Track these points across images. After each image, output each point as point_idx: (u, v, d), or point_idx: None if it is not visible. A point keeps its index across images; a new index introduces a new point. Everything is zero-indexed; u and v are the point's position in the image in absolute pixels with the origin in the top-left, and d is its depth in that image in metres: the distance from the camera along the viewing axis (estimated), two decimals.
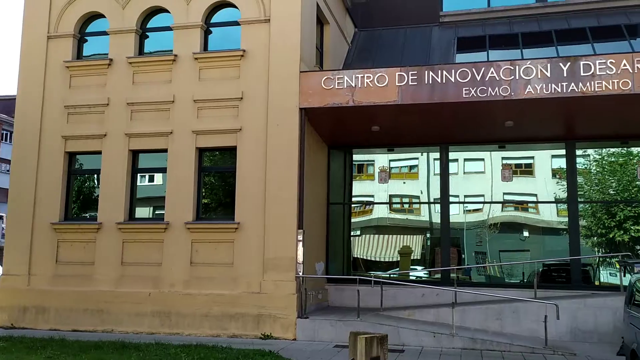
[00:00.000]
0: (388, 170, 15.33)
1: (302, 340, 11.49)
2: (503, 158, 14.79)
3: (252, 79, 12.70)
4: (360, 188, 15.88)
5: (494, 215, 14.82)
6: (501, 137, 14.08)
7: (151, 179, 14.13)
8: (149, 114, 13.20)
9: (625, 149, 14.25)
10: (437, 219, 14.75)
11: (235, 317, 11.93)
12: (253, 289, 12.04)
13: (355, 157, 15.81)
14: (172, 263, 12.53)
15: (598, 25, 15.35)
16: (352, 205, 15.67)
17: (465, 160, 15.23)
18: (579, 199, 13.99)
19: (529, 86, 11.42)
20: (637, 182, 13.99)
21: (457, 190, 14.91)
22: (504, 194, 14.81)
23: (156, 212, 13.49)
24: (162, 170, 13.24)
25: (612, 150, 14.40)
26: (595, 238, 14.29)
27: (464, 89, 11.70)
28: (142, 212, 13.70)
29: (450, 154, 14.73)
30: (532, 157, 15.00)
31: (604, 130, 13.39)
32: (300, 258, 11.95)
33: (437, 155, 14.77)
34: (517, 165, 15.05)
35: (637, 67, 10.93)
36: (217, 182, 13.52)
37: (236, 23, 13.15)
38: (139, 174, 13.63)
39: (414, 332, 11.25)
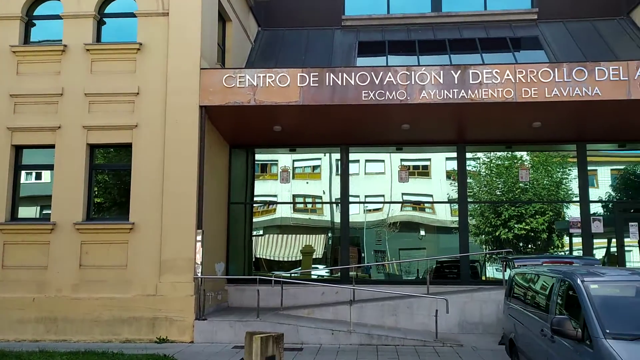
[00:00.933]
0: (290, 171, 15.40)
1: (200, 342, 11.25)
2: (402, 160, 15.36)
3: (149, 74, 12.25)
4: (263, 188, 15.84)
5: (393, 214, 15.34)
6: (399, 139, 14.61)
7: (38, 177, 13.23)
8: (34, 107, 12.33)
9: (510, 153, 15.31)
10: (338, 218, 15.03)
11: (129, 321, 11.44)
12: (148, 291, 11.61)
13: (258, 156, 15.74)
14: (59, 266, 11.78)
15: (487, 36, 16.40)
16: (254, 205, 15.58)
17: (367, 161, 15.65)
18: (469, 199, 14.85)
19: (424, 91, 11.95)
20: (520, 184, 15.09)
21: (358, 190, 15.30)
22: (403, 194, 15.40)
23: (43, 212, 12.63)
24: (50, 167, 12.42)
25: (499, 154, 15.40)
26: (483, 236, 15.23)
27: (363, 92, 12.02)
28: (28, 211, 12.78)
29: (351, 154, 15.07)
30: (429, 160, 15.73)
31: (491, 135, 14.29)
32: (199, 259, 11.70)
33: (339, 156, 15.07)
34: (415, 167, 15.71)
35: (519, 77, 11.79)
36: (111, 180, 12.91)
37: (132, 15, 12.62)
38: (23, 171, 12.70)
39: (313, 331, 11.39)
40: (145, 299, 11.54)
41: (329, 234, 15.48)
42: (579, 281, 6.01)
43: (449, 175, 15.21)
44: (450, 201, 14.99)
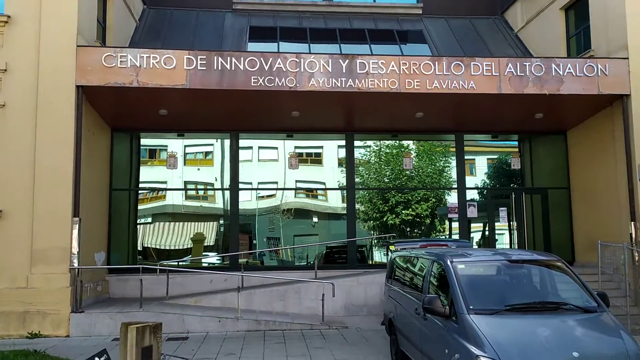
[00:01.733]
0: (177, 156, 14.92)
1: (77, 336, 10.65)
2: (296, 147, 15.47)
3: (19, 49, 11.27)
4: (151, 174, 15.23)
5: (287, 201, 15.42)
6: (289, 126, 14.66)
7: None
8: None
9: (397, 141, 15.94)
10: (230, 205, 14.83)
11: None
12: (18, 283, 10.79)
13: (145, 141, 15.10)
14: None
15: (375, 28, 16.88)
16: (141, 192, 14.95)
17: (260, 148, 15.59)
18: (357, 186, 15.29)
19: (313, 79, 12.07)
20: (407, 172, 15.77)
21: (251, 177, 15.22)
22: (296, 181, 15.51)
23: None
24: None
25: (387, 142, 15.97)
26: (371, 222, 15.75)
27: (252, 77, 11.90)
28: None
29: (242, 141, 14.94)
30: (322, 147, 15.96)
31: (378, 124, 14.78)
32: (75, 248, 11.03)
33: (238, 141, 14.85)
34: (308, 155, 15.89)
35: (403, 69, 12.26)
36: None
37: None
38: None
39: (199, 319, 11.20)
40: (15, 292, 10.71)
41: (221, 221, 15.24)
42: (448, 262, 6.40)
43: (340, 162, 15.53)
44: (340, 188, 15.33)
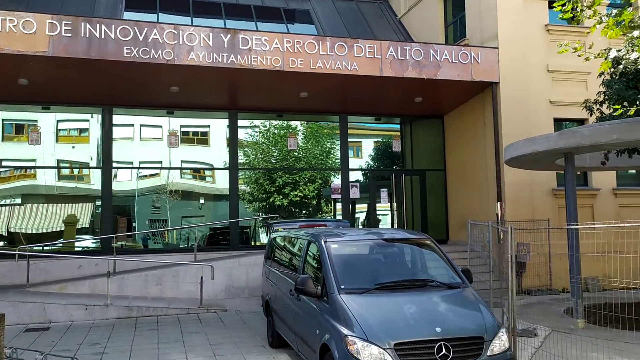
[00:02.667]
0: (40, 131, 13.63)
1: None
2: (182, 126, 14.75)
3: None
4: (16, 151, 13.80)
5: (172, 182, 14.73)
6: (170, 102, 13.94)
7: None
8: None
9: (284, 122, 15.73)
10: (102, 185, 13.83)
11: None
12: None
13: (7, 115, 13.64)
14: None
15: (262, 5, 16.48)
16: (3, 170, 13.51)
17: (143, 125, 14.68)
18: (241, 167, 14.93)
19: (192, 53, 11.47)
20: (295, 153, 15.66)
21: (133, 156, 14.34)
22: (182, 161, 14.81)
23: None
24: None
25: (274, 122, 15.71)
26: (258, 203, 15.46)
27: (125, 47, 11.08)
28: None
29: (121, 117, 14.02)
30: (208, 126, 15.35)
31: (263, 103, 14.47)
32: None
33: (108, 117, 13.82)
34: (195, 134, 15.23)
35: (287, 47, 12.02)
36: None
37: None
38: None
39: (63, 307, 10.37)
40: None
41: (97, 203, 14.16)
42: (322, 242, 6.32)
43: (229, 142, 14.94)
44: (224, 168, 14.87)
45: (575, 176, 14.32)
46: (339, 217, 15.46)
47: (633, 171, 14.77)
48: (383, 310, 5.34)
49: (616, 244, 7.40)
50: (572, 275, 9.35)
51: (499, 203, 13.22)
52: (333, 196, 15.41)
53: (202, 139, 15.40)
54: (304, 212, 15.82)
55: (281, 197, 15.47)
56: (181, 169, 14.87)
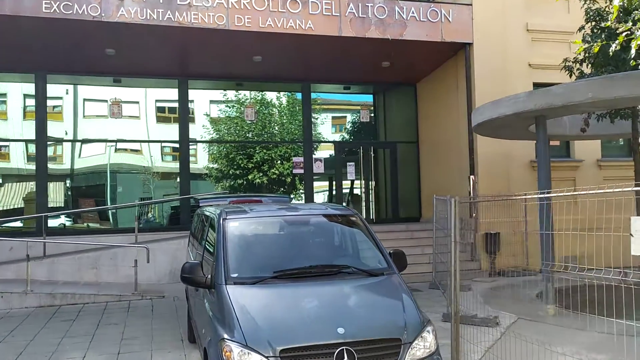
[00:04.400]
0: None
1: None
2: (146, 97, 13.57)
3: None
4: None
5: (120, 158, 13.56)
6: (111, 69, 12.71)
7: None
8: None
9: (244, 92, 14.46)
10: (37, 161, 12.62)
11: None
12: None
13: None
14: None
15: None
16: None
17: (86, 101, 13.42)
18: (192, 140, 13.70)
19: (122, 9, 10.16)
20: (259, 125, 14.42)
21: (72, 129, 13.16)
22: (130, 135, 13.59)
23: None
24: None
25: (233, 92, 14.44)
26: (229, 180, 14.25)
27: (44, 2, 9.76)
28: None
29: (58, 86, 12.78)
30: (160, 96, 13.95)
31: (215, 69, 13.18)
32: None
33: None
34: (143, 104, 13.93)
35: (232, 3, 10.69)
36: None
37: None
38: None
39: None
40: None
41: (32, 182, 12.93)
42: (221, 219, 5.15)
43: (179, 113, 13.65)
44: (172, 141, 13.64)
45: (557, 147, 13.25)
46: (324, 196, 14.39)
47: (621, 141, 13.61)
48: (276, 306, 4.19)
49: (599, 220, 6.19)
50: (543, 255, 8.23)
51: (471, 177, 12.06)
52: (295, 171, 14.20)
53: (150, 109, 13.99)
54: (281, 189, 14.63)
55: (261, 174, 14.28)
56: (127, 141, 13.64)
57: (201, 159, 14.19)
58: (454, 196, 5.98)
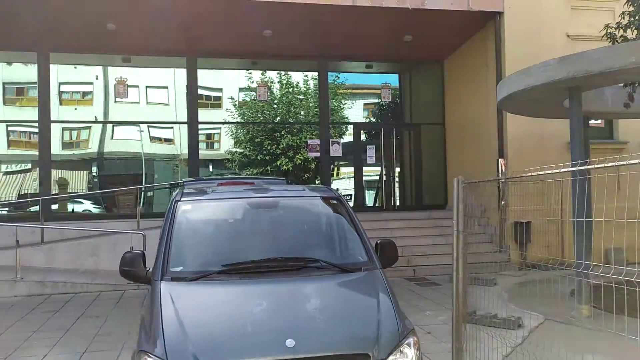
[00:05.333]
0: None
1: None
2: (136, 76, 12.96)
3: None
4: None
5: (121, 139, 12.99)
6: (114, 48, 12.07)
7: None
8: None
9: (257, 71, 13.66)
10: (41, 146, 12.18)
11: None
12: None
13: None
14: None
15: None
16: None
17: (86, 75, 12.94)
18: (200, 121, 13.00)
19: None
20: (272, 105, 13.66)
21: (79, 111, 12.70)
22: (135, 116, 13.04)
23: None
24: None
25: (247, 71, 13.66)
26: (257, 167, 13.52)
27: None
28: None
29: (63, 65, 12.37)
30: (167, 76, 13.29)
31: (224, 46, 12.38)
32: None
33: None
34: (149, 86, 13.32)
35: None
36: None
37: None
38: None
39: None
40: None
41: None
42: (174, 202, 4.34)
43: (188, 93, 12.93)
44: (177, 122, 12.97)
45: (599, 128, 11.94)
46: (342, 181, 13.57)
47: None
48: (214, 310, 3.35)
49: None
50: (575, 245, 7.14)
51: (501, 160, 10.95)
52: (310, 154, 13.32)
53: (158, 90, 13.34)
54: (306, 175, 13.83)
55: (287, 160, 13.49)
56: (133, 123, 13.03)
57: (192, 139, 13.33)
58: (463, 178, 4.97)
